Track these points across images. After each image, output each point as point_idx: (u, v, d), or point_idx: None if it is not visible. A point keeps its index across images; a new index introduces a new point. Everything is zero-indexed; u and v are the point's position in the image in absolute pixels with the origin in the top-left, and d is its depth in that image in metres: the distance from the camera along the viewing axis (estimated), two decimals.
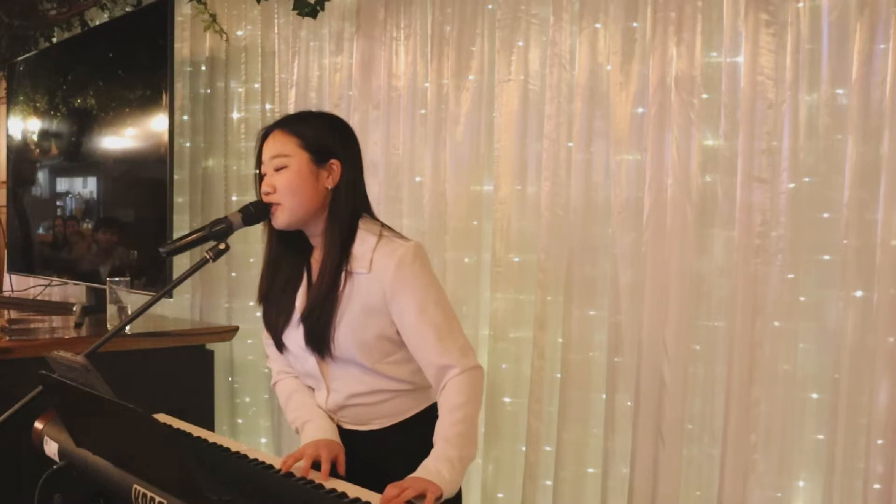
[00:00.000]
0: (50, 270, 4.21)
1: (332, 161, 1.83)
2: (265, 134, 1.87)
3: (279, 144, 1.83)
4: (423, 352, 1.79)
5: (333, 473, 1.72)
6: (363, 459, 1.83)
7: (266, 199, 1.83)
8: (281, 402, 2.00)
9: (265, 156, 1.85)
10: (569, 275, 2.70)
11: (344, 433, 1.89)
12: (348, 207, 1.84)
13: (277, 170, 1.82)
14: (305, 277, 1.89)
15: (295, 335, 1.88)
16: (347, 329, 1.80)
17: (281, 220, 1.83)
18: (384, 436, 1.89)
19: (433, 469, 1.63)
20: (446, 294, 1.84)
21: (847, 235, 2.18)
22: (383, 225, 1.88)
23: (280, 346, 1.93)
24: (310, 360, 1.87)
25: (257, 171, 1.90)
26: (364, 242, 1.82)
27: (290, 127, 1.85)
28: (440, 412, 1.75)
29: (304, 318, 1.84)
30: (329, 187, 1.83)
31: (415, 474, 1.62)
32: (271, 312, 1.93)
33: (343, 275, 1.80)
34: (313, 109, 2.06)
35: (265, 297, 1.94)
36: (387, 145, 3.17)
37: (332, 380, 1.88)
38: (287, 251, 1.91)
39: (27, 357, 2.80)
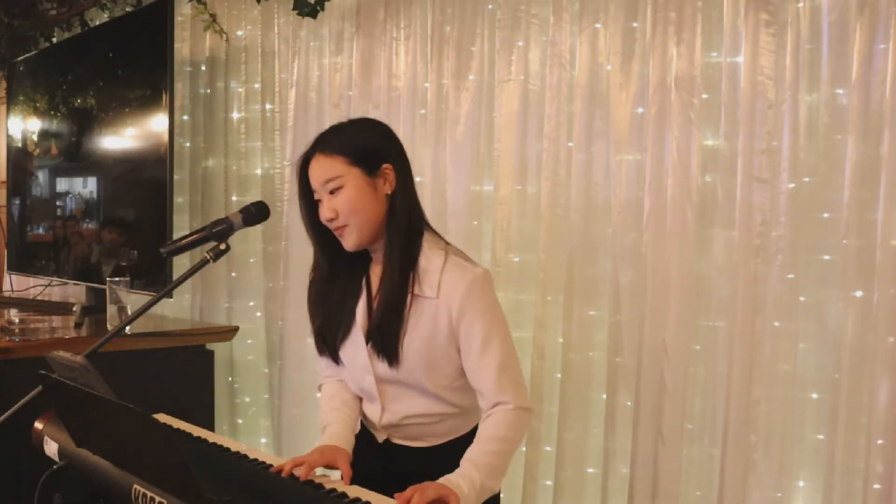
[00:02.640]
0: (50, 270, 4.21)
1: (385, 166, 1.77)
2: (305, 161, 1.78)
3: (327, 168, 1.74)
4: (480, 382, 1.76)
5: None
6: (411, 474, 1.80)
7: (330, 225, 1.76)
8: (322, 403, 1.95)
9: (314, 183, 1.76)
10: (569, 275, 2.69)
11: (393, 448, 1.88)
12: (405, 211, 1.78)
13: (333, 192, 1.75)
14: (365, 290, 1.84)
15: (353, 350, 1.83)
16: (415, 349, 1.76)
17: (350, 241, 1.77)
18: (434, 453, 1.86)
19: (454, 482, 1.61)
20: (508, 325, 1.81)
21: (847, 235, 2.18)
22: (447, 243, 1.84)
23: (336, 359, 1.87)
24: (367, 379, 1.83)
25: (303, 204, 1.81)
26: (430, 262, 1.77)
27: (330, 147, 1.76)
28: (477, 435, 1.72)
29: (371, 334, 1.79)
30: (388, 193, 1.77)
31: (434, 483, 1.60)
32: (328, 326, 1.86)
33: (409, 296, 1.75)
34: (345, 121, 1.90)
35: (320, 311, 1.87)
36: None
37: (388, 400, 1.84)
38: (341, 262, 1.84)
39: (27, 357, 2.80)
